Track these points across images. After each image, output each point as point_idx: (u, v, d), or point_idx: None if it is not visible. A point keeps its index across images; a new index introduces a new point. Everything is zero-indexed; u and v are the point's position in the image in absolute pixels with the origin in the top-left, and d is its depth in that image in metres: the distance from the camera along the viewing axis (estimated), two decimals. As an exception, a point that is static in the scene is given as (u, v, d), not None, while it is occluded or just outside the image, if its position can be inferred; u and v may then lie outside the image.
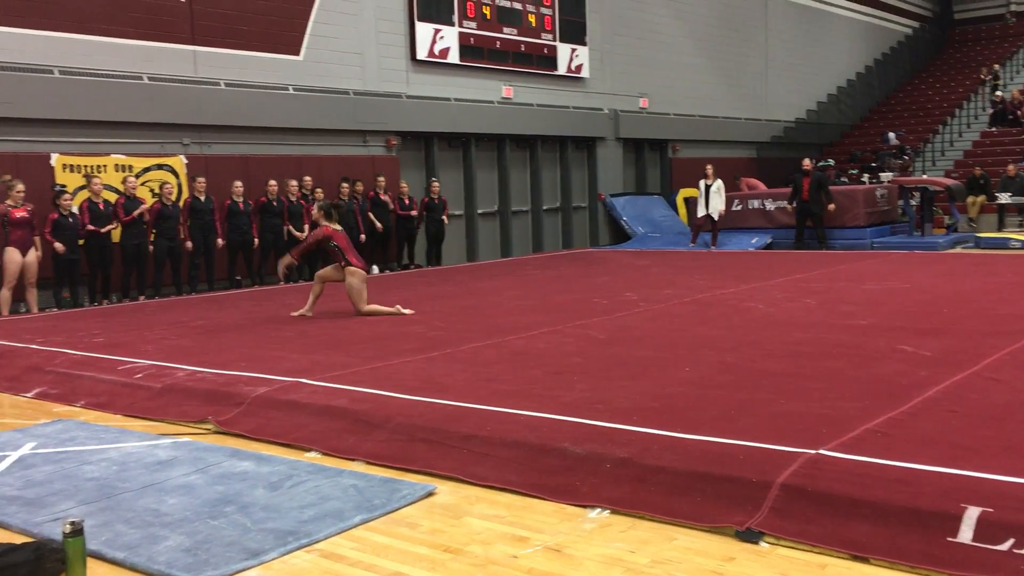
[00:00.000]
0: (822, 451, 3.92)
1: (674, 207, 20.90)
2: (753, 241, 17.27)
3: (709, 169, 17.18)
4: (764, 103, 24.36)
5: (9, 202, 10.38)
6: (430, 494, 4.18)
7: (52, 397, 6.54)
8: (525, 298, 10.25)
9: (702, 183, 17.11)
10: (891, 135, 24.23)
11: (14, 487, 4.43)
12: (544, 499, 4.04)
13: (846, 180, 21.40)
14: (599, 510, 3.86)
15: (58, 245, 10.73)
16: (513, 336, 7.45)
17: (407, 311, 9.17)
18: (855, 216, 16.91)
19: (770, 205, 17.91)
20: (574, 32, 19.01)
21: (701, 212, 17.15)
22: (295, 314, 9.23)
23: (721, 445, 4.11)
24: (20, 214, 10.43)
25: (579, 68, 19.16)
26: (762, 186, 19.77)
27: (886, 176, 20.61)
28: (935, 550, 3.21)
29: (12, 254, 10.38)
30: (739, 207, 18.18)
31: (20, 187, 10.42)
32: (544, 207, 18.93)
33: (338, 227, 9.31)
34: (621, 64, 20.25)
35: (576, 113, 19.08)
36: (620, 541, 3.55)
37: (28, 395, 6.69)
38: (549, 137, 18.75)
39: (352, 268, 9.13)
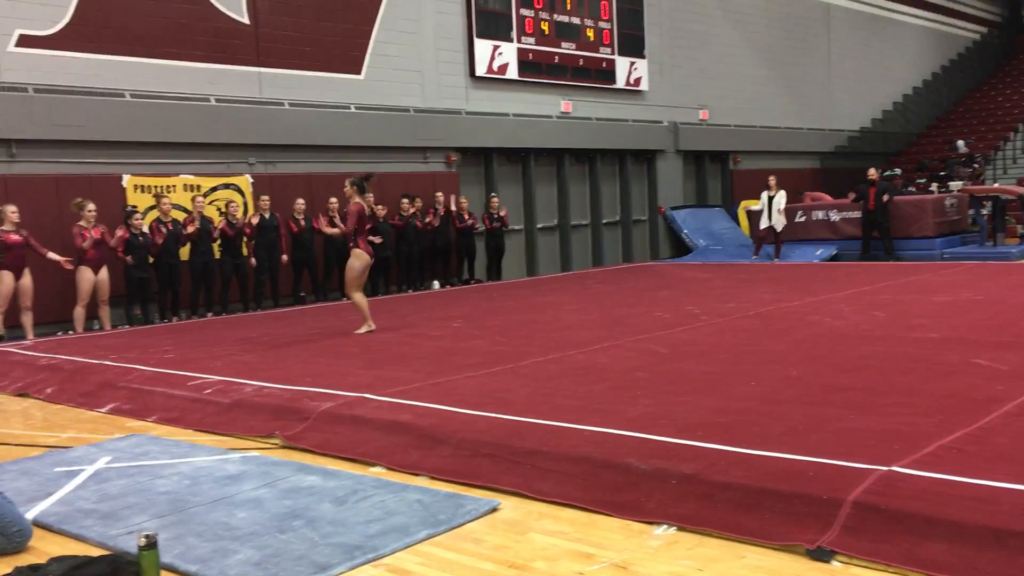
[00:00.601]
0: (895, 468, 3.83)
1: (735, 219, 20.67)
2: (818, 253, 16.98)
3: (772, 180, 16.97)
4: (827, 112, 24.00)
5: (82, 223, 10.69)
6: (494, 509, 4.18)
7: (125, 412, 6.71)
8: (586, 312, 10.22)
9: (764, 194, 16.91)
10: (960, 143, 23.63)
11: (90, 500, 4.55)
12: (609, 515, 4.01)
13: (913, 190, 20.93)
14: (665, 527, 3.82)
15: (127, 256, 11.05)
16: (575, 351, 7.43)
17: (373, 326, 9.19)
18: (923, 226, 16.53)
19: (835, 216, 17.60)
20: (633, 45, 18.97)
21: (764, 224, 16.94)
22: (360, 332, 9.27)
23: (790, 461, 4.04)
24: (93, 235, 10.73)
25: (638, 81, 19.10)
26: (828, 199, 19.43)
27: (955, 185, 20.10)
28: (1015, 571, 3.10)
29: (86, 273, 10.68)
30: (803, 218, 17.91)
31: (92, 207, 10.74)
32: (604, 221, 18.88)
33: (368, 206, 9.28)
34: (680, 76, 20.14)
35: (635, 126, 19.02)
36: (687, 559, 3.51)
37: (102, 410, 6.87)
38: (608, 151, 18.71)
39: (358, 251, 9.20)
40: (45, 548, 3.93)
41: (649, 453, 4.34)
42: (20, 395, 7.60)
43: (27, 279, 10.35)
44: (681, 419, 4.93)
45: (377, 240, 13.17)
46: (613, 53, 18.57)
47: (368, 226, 9.51)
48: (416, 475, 4.76)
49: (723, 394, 5.56)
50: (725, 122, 21.02)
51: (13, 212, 10.26)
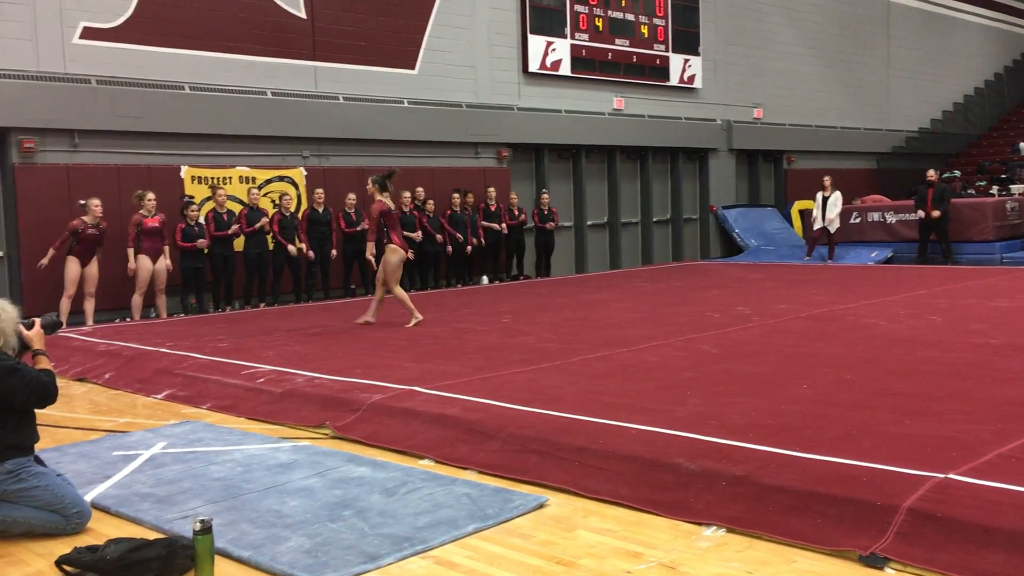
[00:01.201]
0: (951, 475, 3.75)
1: (788, 219, 20.41)
2: (873, 255, 16.69)
3: (827, 181, 16.72)
4: (885, 112, 23.57)
5: (143, 211, 10.92)
6: (542, 505, 4.18)
7: (180, 399, 6.84)
8: (635, 311, 10.18)
9: (819, 195, 16.67)
10: (1022, 145, 23.05)
11: (146, 484, 4.65)
12: (657, 515, 3.99)
13: (973, 192, 20.47)
14: (714, 528, 3.80)
15: (201, 241, 11.25)
16: (623, 349, 7.40)
17: (420, 317, 9.28)
18: (983, 230, 16.15)
19: (891, 218, 17.28)
20: (687, 42, 18.81)
21: (817, 225, 16.70)
22: (410, 325, 9.32)
23: (842, 466, 3.98)
24: (152, 224, 10.96)
25: (692, 79, 18.94)
26: (886, 201, 19.09)
27: (1017, 188, 19.62)
28: (1077, 585, 3.03)
29: (144, 262, 10.91)
30: (858, 220, 17.61)
31: (151, 197, 10.96)
32: (654, 219, 18.77)
33: (391, 203, 9.36)
34: (735, 74, 19.93)
35: (688, 124, 18.87)
36: (737, 561, 3.48)
37: (158, 396, 7.01)
38: (660, 148, 18.59)
39: (393, 246, 9.28)
40: (103, 530, 4.03)
41: (698, 453, 4.31)
42: (79, 380, 7.78)
43: (93, 268, 10.64)
44: (731, 420, 4.89)
45: (416, 236, 13.29)
46: (667, 50, 18.43)
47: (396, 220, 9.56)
48: (464, 469, 4.78)
49: (774, 396, 5.50)
50: (780, 121, 20.75)
51: (97, 206, 10.55)
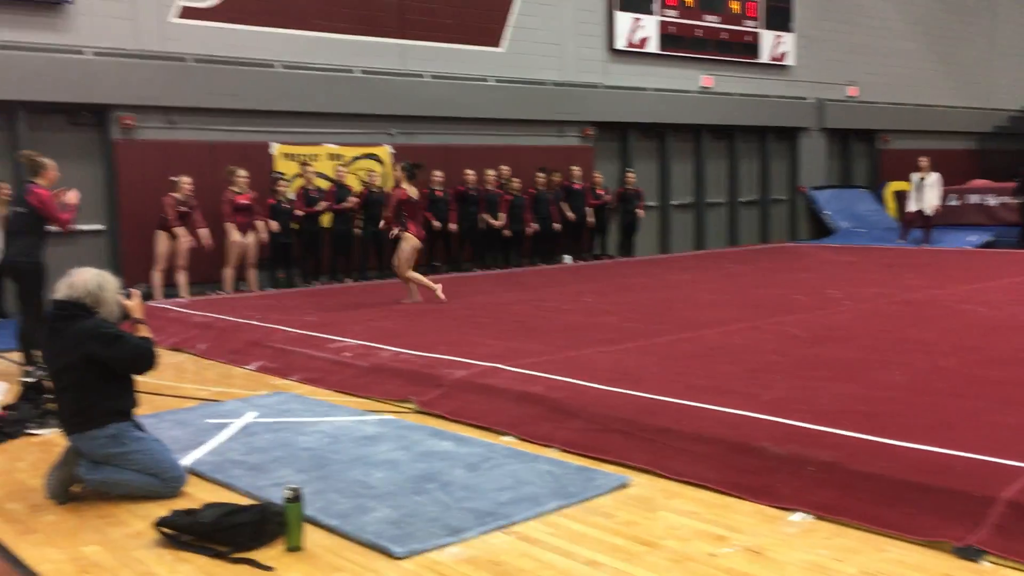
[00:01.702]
0: (1055, 469, 3.61)
1: (882, 201, 19.80)
2: (971, 239, 16.07)
3: (923, 161, 16.13)
4: (987, 90, 22.60)
5: (234, 188, 11.20)
6: (624, 485, 4.17)
7: (271, 371, 7.02)
8: (720, 292, 10.03)
9: (915, 176, 16.11)
10: None
11: (239, 452, 4.79)
12: (742, 498, 3.94)
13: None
14: (802, 514, 3.73)
15: (273, 223, 11.48)
16: (708, 330, 7.31)
17: (442, 296, 9.39)
18: (1091, 214, 15.39)
19: (991, 200, 16.61)
20: (779, 18, 18.34)
21: (912, 207, 16.15)
22: (406, 301, 9.61)
23: (937, 455, 3.87)
24: (243, 200, 11.23)
25: (783, 56, 18.48)
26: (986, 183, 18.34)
27: None
28: None
29: (234, 236, 11.19)
30: (956, 202, 16.98)
31: (243, 174, 11.23)
32: (741, 199, 18.43)
33: (414, 191, 9.48)
34: (828, 51, 19.35)
35: (778, 102, 18.43)
36: (825, 548, 3.41)
37: (250, 367, 7.21)
38: (749, 127, 18.20)
39: (408, 235, 9.40)
40: (198, 494, 4.17)
41: (785, 438, 4.23)
42: (175, 350, 8.05)
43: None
44: (819, 405, 4.79)
45: (498, 223, 13.37)
46: (758, 26, 18.01)
47: (415, 209, 9.71)
48: (547, 447, 4.80)
49: (865, 382, 5.36)
50: (875, 99, 20.10)
51: (187, 184, 10.85)
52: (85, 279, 4.20)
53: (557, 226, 14.34)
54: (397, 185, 9.60)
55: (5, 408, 5.64)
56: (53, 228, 7.26)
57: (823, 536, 3.53)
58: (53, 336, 4.13)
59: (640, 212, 15.35)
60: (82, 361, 4.05)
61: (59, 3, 10.85)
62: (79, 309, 4.14)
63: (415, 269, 9.75)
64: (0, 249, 9.39)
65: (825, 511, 3.70)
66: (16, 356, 7.66)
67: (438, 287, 9.55)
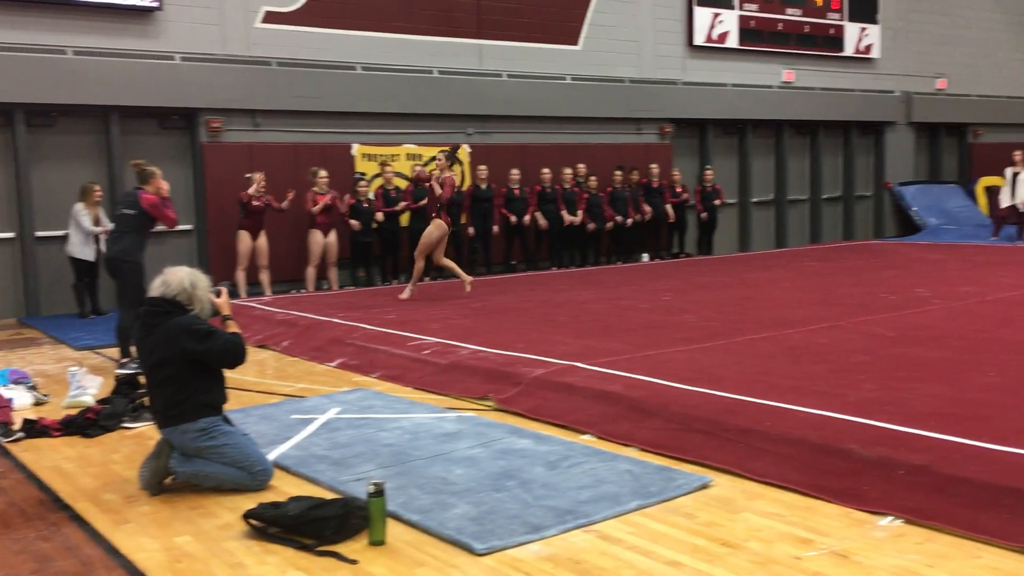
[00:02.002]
0: None
1: (973, 197, 19.14)
2: (1068, 235, 15.42)
3: (1018, 155, 15.52)
4: (1087, 81, 21.65)
5: (316, 188, 11.41)
6: (705, 486, 4.12)
7: (352, 367, 7.13)
8: (803, 291, 9.83)
9: (1009, 171, 15.52)
10: None
11: (322, 447, 4.89)
12: (828, 501, 3.86)
13: None
14: (891, 518, 3.63)
15: (354, 222, 11.66)
16: (791, 330, 7.17)
17: (407, 296, 9.83)
18: None
19: (1091, 195, 15.87)
20: (864, 10, 17.88)
21: (1005, 203, 15.56)
22: (404, 296, 9.89)
23: (1035, 460, 3.72)
24: (323, 200, 11.42)
25: (868, 48, 18.01)
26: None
27: None
28: None
29: (316, 236, 11.41)
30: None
31: (324, 175, 11.43)
32: (824, 196, 18.02)
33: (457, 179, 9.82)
34: (916, 43, 18.79)
35: (863, 96, 17.97)
36: (915, 553, 3.32)
37: (331, 364, 7.34)
38: (832, 122, 17.80)
39: (439, 221, 9.68)
40: (284, 487, 4.27)
41: (873, 440, 4.13)
42: (260, 346, 8.24)
43: (263, 240, 11.16)
44: (909, 407, 4.65)
45: (575, 220, 13.38)
46: (842, 19, 17.59)
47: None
48: (626, 446, 4.77)
49: (957, 383, 5.19)
50: (965, 92, 19.45)
51: (261, 179, 11.08)
52: (180, 277, 4.33)
53: (632, 220, 14.22)
54: (441, 173, 9.84)
55: (100, 402, 5.86)
56: (158, 229, 7.63)
57: (913, 541, 3.43)
58: (148, 332, 4.27)
59: (717, 202, 15.09)
60: (177, 356, 4.18)
61: (150, 11, 11.21)
62: (173, 306, 4.28)
63: (449, 257, 10.20)
64: (77, 243, 9.93)
65: (915, 515, 3.60)
66: (112, 351, 7.96)
67: (468, 279, 9.98)
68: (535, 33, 14.20)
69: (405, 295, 9.94)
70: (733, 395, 5.01)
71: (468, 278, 10.10)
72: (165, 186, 7.57)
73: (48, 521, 3.98)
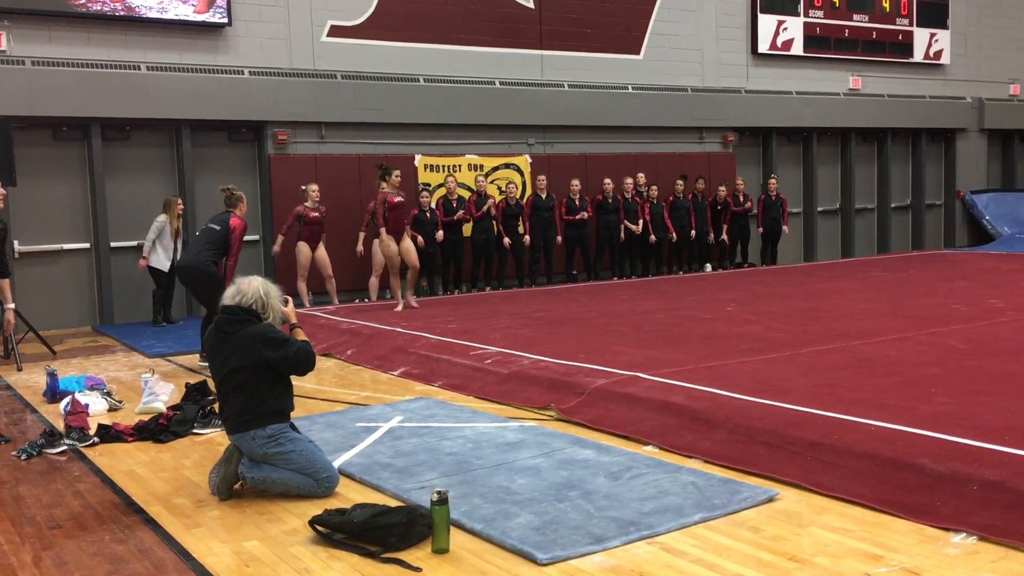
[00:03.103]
0: None
1: (971, 209, 18.56)
2: None
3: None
4: None
5: (387, 189, 11.42)
6: (771, 499, 4.07)
7: (414, 376, 7.20)
8: (871, 301, 9.63)
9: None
10: None
11: (386, 455, 4.94)
12: (898, 517, 3.77)
13: None
14: (964, 535, 3.54)
15: (420, 239, 11.74)
16: (859, 341, 7.03)
17: (415, 304, 10.19)
18: None
19: None
20: (934, 15, 17.51)
21: (1084, 211, 15.08)
22: (399, 308, 10.07)
23: (1118, 477, 3.59)
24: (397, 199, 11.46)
25: (938, 54, 17.63)
26: None
27: None
28: None
29: (380, 246, 11.49)
30: None
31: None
32: (892, 205, 17.66)
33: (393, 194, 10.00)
34: (988, 47, 18.33)
35: (933, 103, 17.58)
36: (990, 572, 3.23)
37: (394, 373, 7.42)
38: (900, 129, 17.46)
39: (387, 237, 10.03)
40: (348, 494, 4.33)
41: (946, 455, 4.02)
42: (324, 355, 8.36)
43: (322, 251, 11.28)
44: (983, 421, 4.53)
45: (635, 228, 13.29)
46: (911, 24, 17.25)
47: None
48: (689, 457, 4.73)
49: (1034, 397, 5.03)
50: (1040, 97, 18.91)
51: (315, 191, 11.22)
52: (255, 286, 4.43)
53: (712, 236, 14.14)
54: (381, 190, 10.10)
55: (172, 408, 6.01)
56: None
57: (988, 559, 3.34)
58: (222, 339, 4.37)
59: (785, 230, 14.86)
60: (254, 364, 4.28)
61: (220, 27, 11.50)
62: (249, 314, 4.38)
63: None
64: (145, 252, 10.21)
65: (990, 532, 3.50)
66: (183, 359, 8.19)
67: (401, 304, 10.17)
68: (596, 43, 14.20)
69: (399, 308, 10.15)
70: (799, 407, 4.93)
71: (403, 302, 10.22)
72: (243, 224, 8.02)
73: (122, 524, 4.09)
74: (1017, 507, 3.56)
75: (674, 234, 13.99)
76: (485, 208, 12.36)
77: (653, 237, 13.71)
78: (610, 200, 13.49)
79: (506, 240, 12.66)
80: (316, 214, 11.15)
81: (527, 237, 12.86)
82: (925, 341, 6.96)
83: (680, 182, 14.14)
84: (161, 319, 10.77)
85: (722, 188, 14.55)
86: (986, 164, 18.75)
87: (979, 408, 4.82)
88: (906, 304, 9.28)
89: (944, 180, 18.38)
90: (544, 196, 12.99)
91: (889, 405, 4.93)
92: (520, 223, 12.81)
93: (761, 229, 14.93)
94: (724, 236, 14.60)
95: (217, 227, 7.86)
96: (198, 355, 8.26)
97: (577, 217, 13.05)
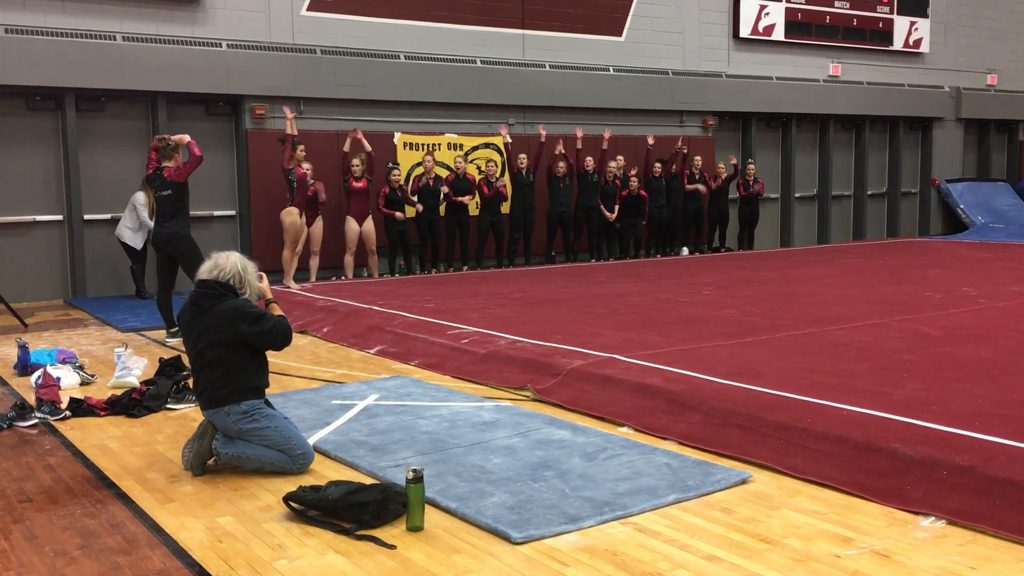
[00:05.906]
0: None
1: (1021, 196, 18.77)
2: (1121, 236, 15.09)
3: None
4: None
5: (354, 172, 11.42)
6: (744, 481, 4.10)
7: (391, 355, 7.18)
8: (846, 288, 9.70)
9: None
10: None
11: (362, 433, 4.93)
12: (869, 500, 3.82)
13: None
14: (933, 519, 3.59)
15: (399, 215, 11.69)
16: (833, 327, 7.09)
17: (295, 286, 10.21)
18: None
19: None
20: (914, 4, 17.59)
21: (1056, 202, 15.26)
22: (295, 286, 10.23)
23: (1084, 464, 3.65)
24: (359, 186, 11.37)
25: (918, 43, 17.72)
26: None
27: None
28: None
29: (351, 223, 11.37)
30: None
31: (357, 162, 11.35)
32: (869, 192, 17.78)
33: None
34: (967, 37, 18.45)
35: (911, 91, 17.69)
36: (958, 555, 3.27)
37: (371, 351, 7.40)
38: (878, 117, 17.57)
39: (291, 209, 10.31)
40: (323, 471, 4.32)
41: (917, 440, 4.07)
42: (300, 332, 8.32)
43: (318, 226, 11.13)
44: (954, 407, 4.58)
45: (610, 216, 13.23)
46: (892, 12, 17.32)
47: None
48: (664, 439, 4.75)
49: (1005, 384, 5.10)
50: (1016, 88, 19.05)
51: (301, 150, 11.10)
52: (232, 261, 4.39)
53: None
54: (298, 164, 10.36)
55: (145, 383, 5.96)
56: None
57: (956, 542, 3.39)
58: (197, 314, 4.33)
59: (760, 189, 14.93)
60: (230, 339, 4.24)
61: (198, -2, 11.34)
62: (226, 289, 4.34)
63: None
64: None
65: (959, 517, 3.55)
66: (157, 333, 8.13)
67: (293, 284, 10.33)
68: (579, 24, 14.14)
69: (294, 286, 10.33)
70: (774, 391, 4.97)
71: (291, 281, 10.43)
72: (184, 138, 8.03)
73: (94, 498, 4.06)
74: (986, 492, 3.60)
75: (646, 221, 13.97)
76: (467, 198, 12.30)
77: (619, 224, 13.68)
78: (592, 174, 13.36)
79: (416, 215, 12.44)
80: (309, 179, 10.94)
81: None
82: (898, 327, 7.03)
83: (658, 165, 14.12)
84: (145, 292, 10.70)
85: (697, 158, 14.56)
86: (962, 153, 18.92)
87: (950, 394, 4.87)
88: (880, 291, 9.36)
89: (920, 168, 18.53)
90: (525, 174, 12.93)
91: (862, 390, 4.97)
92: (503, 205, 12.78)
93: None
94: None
95: (166, 192, 7.85)
96: (164, 332, 8.17)
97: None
